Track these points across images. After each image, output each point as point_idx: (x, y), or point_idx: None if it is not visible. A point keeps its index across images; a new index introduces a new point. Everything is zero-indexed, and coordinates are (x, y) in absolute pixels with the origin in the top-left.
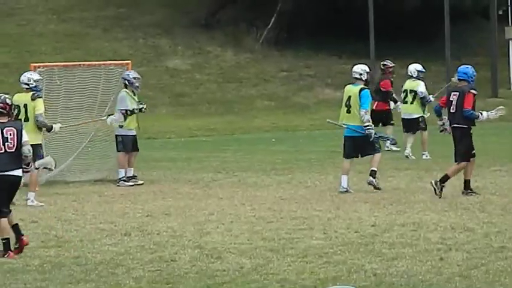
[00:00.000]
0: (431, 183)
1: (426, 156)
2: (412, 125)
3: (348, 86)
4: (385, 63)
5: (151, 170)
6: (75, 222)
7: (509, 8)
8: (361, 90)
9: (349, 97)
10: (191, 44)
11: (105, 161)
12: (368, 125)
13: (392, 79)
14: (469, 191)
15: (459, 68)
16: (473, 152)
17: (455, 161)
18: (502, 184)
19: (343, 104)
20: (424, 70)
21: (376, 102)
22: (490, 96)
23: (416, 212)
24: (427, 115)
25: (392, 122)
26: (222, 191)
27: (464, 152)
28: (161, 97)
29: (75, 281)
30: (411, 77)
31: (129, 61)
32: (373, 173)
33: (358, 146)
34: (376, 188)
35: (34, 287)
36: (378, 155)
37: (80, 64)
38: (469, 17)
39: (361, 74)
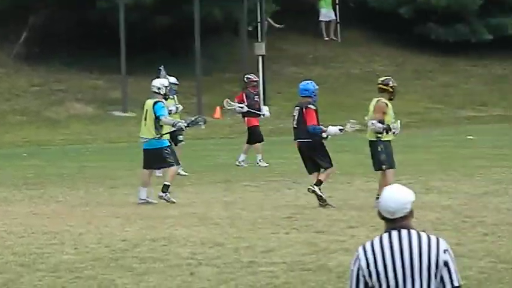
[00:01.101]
0: (308, 188)
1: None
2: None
3: (147, 100)
4: (249, 76)
5: None
6: None
7: (259, 24)
8: (155, 103)
9: (146, 111)
10: None
11: None
12: (173, 122)
13: (255, 92)
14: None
15: (300, 85)
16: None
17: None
18: (251, 199)
19: (142, 117)
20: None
21: (246, 119)
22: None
23: (167, 227)
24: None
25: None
26: None
27: (323, 161)
28: None
29: None
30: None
31: None
32: (165, 187)
33: (151, 159)
34: (168, 201)
35: None
36: (172, 169)
37: None
38: (220, 32)
39: (159, 88)
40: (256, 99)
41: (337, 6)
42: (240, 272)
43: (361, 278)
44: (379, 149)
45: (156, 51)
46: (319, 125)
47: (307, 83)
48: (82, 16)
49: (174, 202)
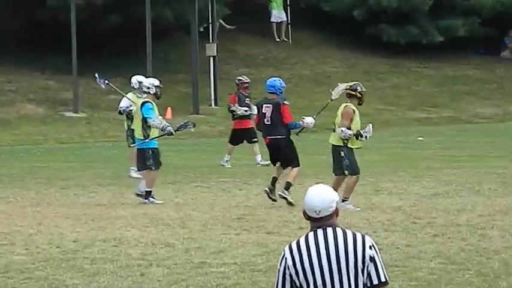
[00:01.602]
0: (279, 195)
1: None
2: None
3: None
4: (240, 78)
5: None
6: None
7: (210, 25)
8: (143, 103)
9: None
10: None
11: None
12: (162, 126)
13: (247, 94)
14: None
15: (267, 82)
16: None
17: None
18: (202, 200)
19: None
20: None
21: (234, 122)
22: (191, 113)
23: (117, 228)
24: None
25: (255, 139)
26: None
27: (295, 157)
28: None
29: None
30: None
31: None
32: (147, 194)
33: (138, 159)
34: (156, 203)
35: None
36: (152, 173)
37: None
38: (171, 33)
39: (148, 88)
40: (247, 101)
41: (289, 7)
42: (191, 273)
43: (287, 277)
44: (342, 154)
45: (107, 51)
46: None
47: (274, 80)
48: (32, 15)
49: (161, 203)
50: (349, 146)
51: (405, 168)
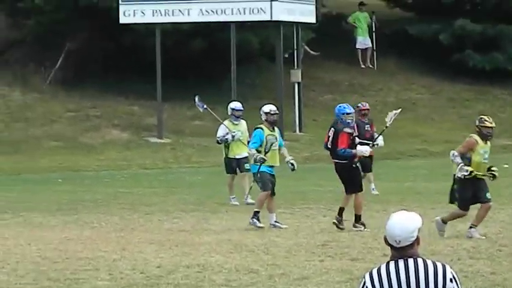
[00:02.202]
0: (333, 222)
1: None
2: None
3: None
4: (359, 104)
5: None
6: None
7: (295, 51)
8: (255, 129)
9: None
10: None
11: None
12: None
13: (366, 121)
14: (359, 224)
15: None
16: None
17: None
18: (287, 226)
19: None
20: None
21: None
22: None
23: (201, 254)
24: None
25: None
26: (7, 230)
27: (349, 183)
28: None
29: None
30: None
31: None
32: (254, 214)
33: None
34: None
35: None
36: (260, 194)
37: None
38: (256, 59)
39: (261, 115)
40: (367, 128)
41: (374, 33)
42: None
43: None
44: (455, 187)
45: (192, 77)
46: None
47: (339, 106)
48: (118, 41)
49: (261, 226)
50: (464, 177)
51: (491, 195)
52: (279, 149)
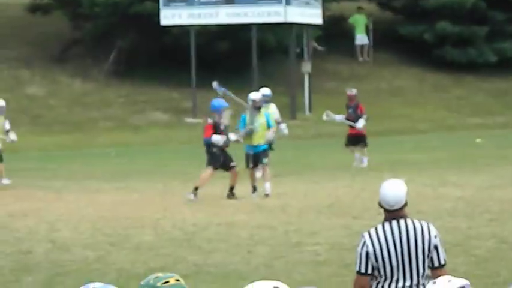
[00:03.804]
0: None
1: None
2: None
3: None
4: (347, 91)
5: (13, 177)
6: None
7: (305, 47)
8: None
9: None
10: (47, 74)
11: None
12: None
13: (351, 105)
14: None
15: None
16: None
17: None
18: (299, 191)
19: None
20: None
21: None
22: (290, 119)
23: (229, 214)
24: None
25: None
26: (70, 195)
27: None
28: (21, 118)
29: None
30: None
31: None
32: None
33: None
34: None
35: None
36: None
37: None
38: (273, 54)
39: (248, 101)
40: (350, 111)
41: (370, 32)
42: (289, 251)
43: (368, 261)
44: None
45: (220, 69)
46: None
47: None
48: (159, 40)
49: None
50: None
51: (466, 164)
52: (268, 129)
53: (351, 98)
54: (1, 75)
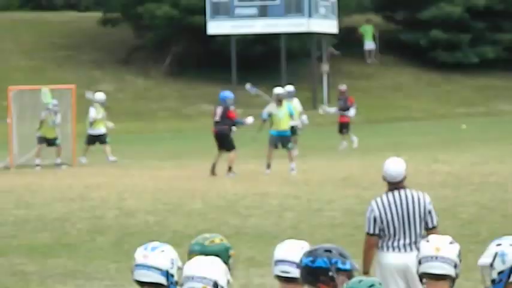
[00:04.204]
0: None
1: None
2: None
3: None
4: (339, 86)
5: (88, 157)
6: (38, 192)
7: (324, 52)
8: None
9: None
10: (115, 74)
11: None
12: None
13: (343, 98)
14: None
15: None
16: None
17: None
18: (319, 167)
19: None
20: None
21: (340, 116)
22: (312, 109)
23: (263, 185)
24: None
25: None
26: (134, 171)
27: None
28: None
29: (37, 231)
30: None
31: (73, 85)
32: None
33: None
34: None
35: (9, 235)
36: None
37: (41, 87)
38: (298, 57)
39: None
40: (341, 103)
41: (377, 39)
42: (311, 216)
43: (376, 223)
44: None
45: (255, 70)
46: None
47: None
48: (206, 46)
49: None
50: None
51: (454, 145)
52: (291, 117)
53: (341, 92)
54: (79, 75)
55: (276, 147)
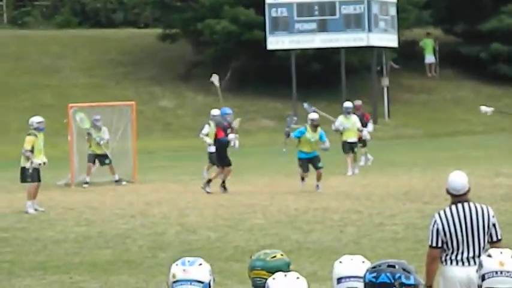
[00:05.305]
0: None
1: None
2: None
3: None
4: (354, 102)
5: (149, 173)
6: (99, 209)
7: (384, 66)
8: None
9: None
10: (175, 90)
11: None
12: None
13: (359, 114)
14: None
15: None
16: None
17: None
18: (380, 181)
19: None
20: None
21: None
22: (372, 124)
23: (324, 201)
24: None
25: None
26: (196, 187)
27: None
28: (155, 126)
29: (98, 248)
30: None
31: (133, 102)
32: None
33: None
34: None
35: (71, 252)
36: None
37: (100, 105)
38: (358, 72)
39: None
40: (359, 115)
41: (437, 53)
42: (373, 230)
43: (439, 236)
44: None
45: (315, 85)
46: None
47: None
48: (265, 61)
49: None
50: None
51: None
52: (320, 143)
53: (357, 108)
54: (139, 91)
55: (308, 170)
